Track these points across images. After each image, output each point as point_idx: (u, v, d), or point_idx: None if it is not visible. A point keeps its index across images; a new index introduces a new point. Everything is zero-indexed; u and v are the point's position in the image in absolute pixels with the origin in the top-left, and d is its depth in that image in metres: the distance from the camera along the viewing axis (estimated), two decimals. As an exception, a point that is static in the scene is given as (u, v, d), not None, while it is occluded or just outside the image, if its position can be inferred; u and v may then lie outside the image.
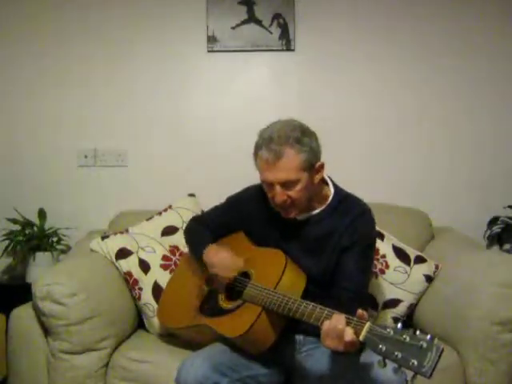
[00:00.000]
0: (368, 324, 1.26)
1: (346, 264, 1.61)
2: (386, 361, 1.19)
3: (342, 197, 1.70)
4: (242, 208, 1.82)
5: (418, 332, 1.18)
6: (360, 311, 1.30)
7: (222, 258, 1.72)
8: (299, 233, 1.68)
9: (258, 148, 1.59)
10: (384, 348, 1.19)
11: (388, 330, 1.21)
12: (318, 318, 1.38)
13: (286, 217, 1.65)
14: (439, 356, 1.14)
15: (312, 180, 1.60)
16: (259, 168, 1.60)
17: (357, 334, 1.26)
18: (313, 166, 1.59)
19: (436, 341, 1.15)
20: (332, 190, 1.71)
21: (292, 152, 1.54)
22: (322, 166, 1.63)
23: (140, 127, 2.67)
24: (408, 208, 2.44)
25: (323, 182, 1.72)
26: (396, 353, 1.17)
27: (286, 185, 1.56)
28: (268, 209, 1.71)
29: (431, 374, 1.13)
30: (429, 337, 1.16)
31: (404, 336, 1.18)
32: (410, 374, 1.17)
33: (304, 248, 1.67)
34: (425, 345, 1.15)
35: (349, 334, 1.27)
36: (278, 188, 1.57)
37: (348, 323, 1.29)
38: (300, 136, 1.55)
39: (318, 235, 1.66)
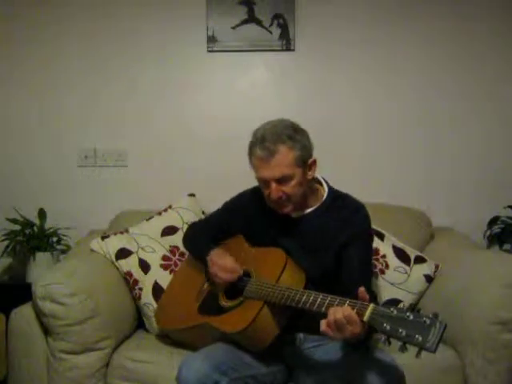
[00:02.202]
0: (372, 305, 1.28)
1: (348, 261, 1.63)
2: (391, 339, 1.22)
3: (336, 195, 1.74)
4: (239, 211, 1.85)
5: (421, 311, 1.21)
6: (361, 289, 1.32)
7: (226, 262, 1.74)
8: (295, 231, 1.70)
9: (252, 147, 1.64)
10: (388, 327, 1.21)
11: (391, 309, 1.24)
12: (321, 305, 1.40)
13: (281, 212, 1.67)
14: (443, 331, 1.16)
15: (305, 176, 1.65)
16: (254, 166, 1.65)
17: (361, 315, 1.27)
18: (305, 162, 1.63)
19: (440, 317, 1.18)
20: (326, 189, 1.75)
21: (285, 149, 1.58)
22: (314, 163, 1.68)
23: (140, 127, 2.67)
24: (408, 208, 2.44)
25: (317, 182, 1.76)
26: (400, 330, 1.19)
27: (281, 181, 1.60)
28: (264, 209, 1.73)
29: (436, 349, 1.15)
30: (432, 314, 1.18)
31: (407, 314, 1.21)
32: (414, 351, 1.18)
33: (300, 246, 1.68)
34: (428, 321, 1.17)
35: (347, 310, 1.29)
36: (273, 184, 1.60)
37: (352, 307, 1.31)
38: (292, 133, 1.60)
39: (314, 232, 1.68)
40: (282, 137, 1.58)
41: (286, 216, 1.70)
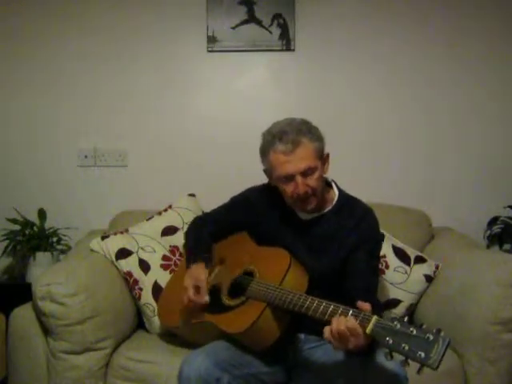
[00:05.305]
0: (375, 317, 1.26)
1: (356, 264, 1.63)
2: (393, 354, 1.20)
3: (347, 198, 1.75)
4: (248, 208, 1.83)
5: (424, 325, 1.19)
6: (360, 303, 1.30)
7: (192, 282, 1.70)
8: (306, 233, 1.70)
9: (269, 146, 1.62)
10: (391, 341, 1.20)
11: (395, 322, 1.22)
12: (324, 312, 1.38)
13: (305, 210, 1.66)
14: (446, 348, 1.14)
15: (323, 170, 1.66)
16: (275, 164, 1.62)
17: (364, 327, 1.26)
18: (323, 154, 1.66)
19: (443, 333, 1.16)
20: (336, 192, 1.75)
21: (307, 140, 1.60)
22: (328, 156, 1.70)
23: (140, 127, 2.67)
24: (408, 208, 2.44)
25: (327, 184, 1.76)
26: (403, 345, 1.18)
27: (306, 173, 1.60)
28: (273, 208, 1.74)
29: (438, 366, 1.14)
30: (435, 329, 1.17)
31: (411, 329, 1.19)
32: (416, 366, 1.17)
33: (309, 248, 1.68)
34: (431, 337, 1.16)
35: (350, 321, 1.27)
36: (299, 178, 1.59)
37: (355, 317, 1.29)
38: (309, 127, 1.63)
39: (324, 235, 1.68)
40: (302, 130, 1.60)
41: (296, 218, 1.70)
